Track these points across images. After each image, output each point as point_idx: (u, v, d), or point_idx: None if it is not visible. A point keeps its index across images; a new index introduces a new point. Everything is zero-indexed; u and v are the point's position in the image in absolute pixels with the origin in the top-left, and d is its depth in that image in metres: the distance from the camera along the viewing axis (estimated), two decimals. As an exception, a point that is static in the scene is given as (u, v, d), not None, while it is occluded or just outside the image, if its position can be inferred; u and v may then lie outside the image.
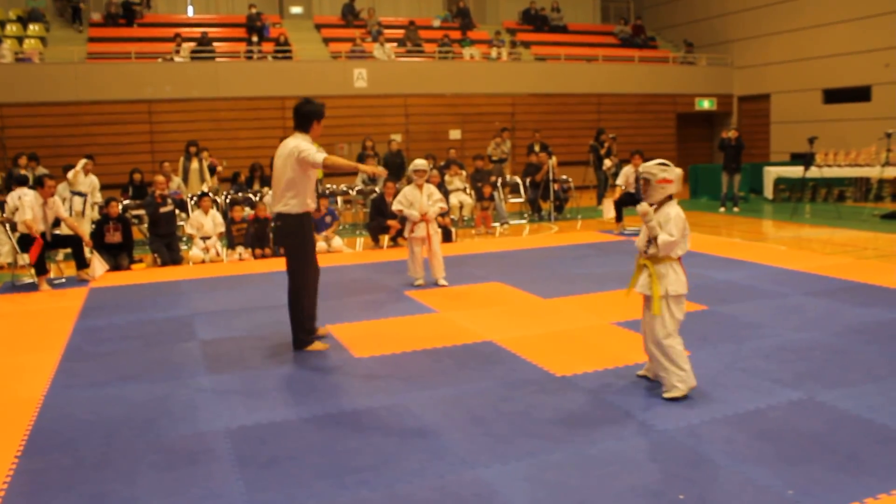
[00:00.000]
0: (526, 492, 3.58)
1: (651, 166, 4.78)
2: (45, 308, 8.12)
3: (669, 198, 4.77)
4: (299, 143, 5.80)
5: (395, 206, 8.73)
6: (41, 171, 12.40)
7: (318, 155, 5.72)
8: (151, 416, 4.74)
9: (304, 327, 6.09)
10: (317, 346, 6.11)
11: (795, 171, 15.74)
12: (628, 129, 20.64)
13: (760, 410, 4.49)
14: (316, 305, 6.28)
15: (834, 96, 19.96)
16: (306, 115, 5.90)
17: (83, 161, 12.24)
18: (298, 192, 5.85)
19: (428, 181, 8.80)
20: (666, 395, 4.74)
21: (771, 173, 16.81)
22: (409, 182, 8.89)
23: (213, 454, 4.11)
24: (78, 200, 11.74)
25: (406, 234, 8.66)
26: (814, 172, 14.80)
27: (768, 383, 4.97)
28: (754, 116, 22.43)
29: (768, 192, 16.79)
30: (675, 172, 4.74)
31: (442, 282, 8.51)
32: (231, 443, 4.26)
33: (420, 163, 8.78)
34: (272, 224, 5.97)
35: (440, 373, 5.44)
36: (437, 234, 8.62)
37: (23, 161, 12.56)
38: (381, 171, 6.31)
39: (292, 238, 5.96)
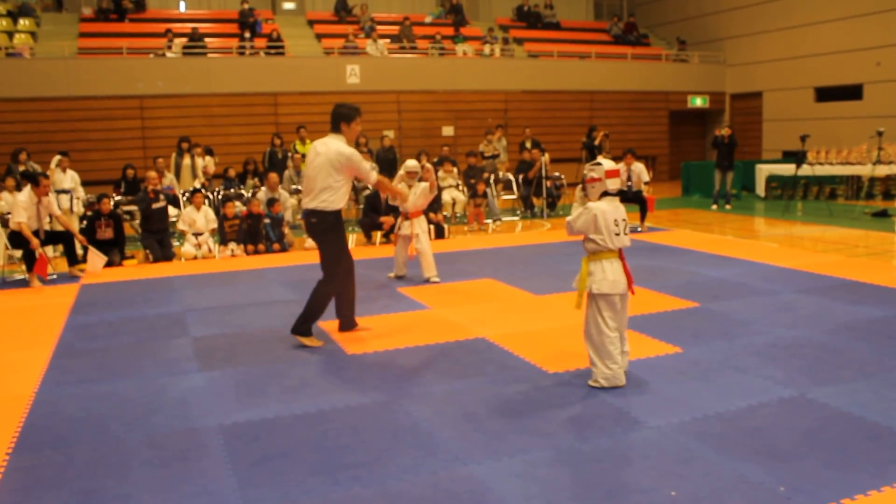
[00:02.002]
0: (518, 488, 3.58)
1: (586, 167, 4.99)
2: (36, 304, 8.08)
3: (605, 194, 4.89)
4: (352, 153, 5.96)
5: (391, 201, 8.99)
6: (32, 165, 12.37)
7: (372, 174, 6.11)
8: (143, 412, 4.73)
9: (313, 318, 6.13)
10: (311, 341, 6.12)
11: (787, 169, 15.81)
12: (621, 126, 20.67)
13: (752, 407, 4.51)
14: (355, 296, 6.46)
15: (826, 94, 20.04)
16: (336, 117, 6.12)
17: (56, 158, 12.25)
18: (336, 192, 5.97)
19: (420, 179, 8.67)
20: (590, 383, 4.97)
21: (763, 171, 16.87)
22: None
23: (205, 451, 4.11)
24: (64, 198, 11.71)
25: (395, 230, 8.73)
26: (806, 170, 14.86)
27: (760, 380, 4.98)
28: (746, 114, 22.49)
29: (760, 189, 16.85)
30: (602, 170, 4.87)
31: (434, 279, 8.48)
32: (223, 439, 4.25)
33: (412, 164, 8.75)
34: (309, 220, 6.03)
35: (433, 369, 5.44)
36: (424, 232, 8.54)
37: (23, 157, 12.53)
38: (404, 197, 7.33)
39: (328, 234, 6.05)
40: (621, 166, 12.24)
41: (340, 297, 6.38)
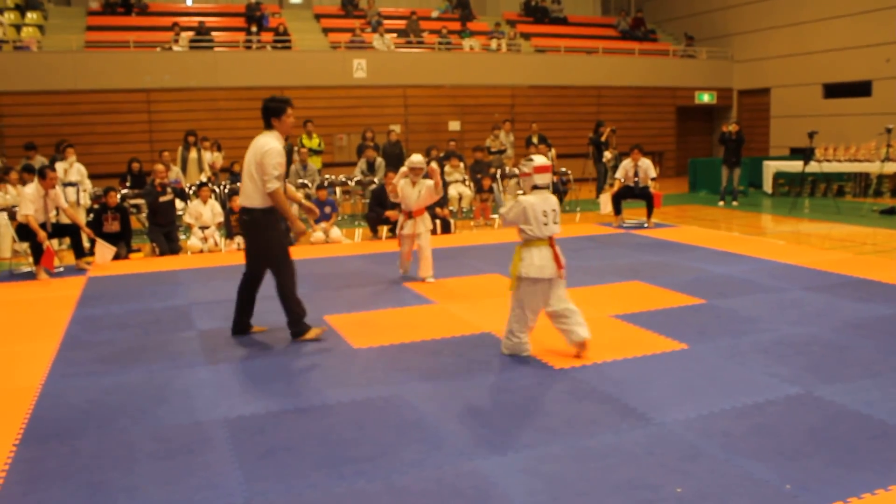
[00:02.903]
0: (523, 484, 3.58)
1: (521, 161, 5.51)
2: (43, 297, 8.11)
3: (536, 187, 5.36)
4: (266, 152, 5.78)
5: (392, 198, 8.63)
6: (40, 160, 12.39)
7: (272, 184, 5.75)
8: (149, 405, 4.74)
9: (300, 315, 6.11)
10: (313, 332, 6.11)
11: (795, 166, 15.73)
12: (628, 121, 20.60)
13: (758, 405, 4.50)
14: (254, 302, 6.32)
15: (834, 91, 19.93)
16: (264, 113, 5.95)
17: (70, 151, 12.33)
18: (260, 190, 5.86)
19: (425, 176, 8.31)
20: (504, 350, 5.55)
21: (770, 168, 16.80)
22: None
23: (210, 444, 4.11)
24: (70, 191, 11.74)
25: (396, 230, 8.45)
26: (813, 167, 14.80)
27: (766, 378, 4.97)
28: (754, 110, 22.40)
29: (767, 186, 16.79)
30: (532, 165, 5.36)
31: (429, 279, 8.25)
32: (229, 432, 4.26)
33: (417, 160, 8.34)
34: (241, 217, 6.03)
35: (438, 364, 5.44)
36: (427, 230, 8.28)
37: (66, 151, 12.62)
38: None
39: (259, 231, 5.97)
40: (628, 162, 12.22)
41: (239, 298, 6.25)
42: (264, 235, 5.97)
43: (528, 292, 5.38)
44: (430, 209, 8.64)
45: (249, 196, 5.89)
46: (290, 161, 14.34)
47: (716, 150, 21.41)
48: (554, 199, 5.49)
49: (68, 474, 3.78)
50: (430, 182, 8.15)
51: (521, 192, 5.52)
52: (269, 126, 5.96)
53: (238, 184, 13.23)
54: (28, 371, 5.48)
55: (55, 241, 9.99)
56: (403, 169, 8.36)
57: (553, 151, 14.93)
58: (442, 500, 3.45)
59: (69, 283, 8.72)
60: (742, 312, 6.64)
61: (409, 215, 8.24)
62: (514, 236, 5.59)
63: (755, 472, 3.63)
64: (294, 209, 6.53)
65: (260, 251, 6.06)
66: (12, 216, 9.65)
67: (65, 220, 9.86)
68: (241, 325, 6.32)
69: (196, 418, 4.49)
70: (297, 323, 6.11)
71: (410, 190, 8.22)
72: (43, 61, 16.64)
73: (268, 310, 6.48)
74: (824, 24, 19.80)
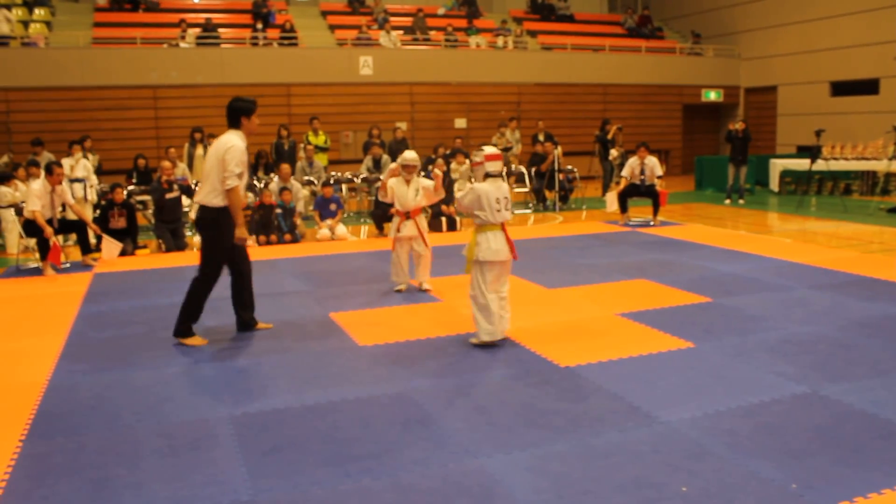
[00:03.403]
0: (528, 482, 3.58)
1: (473, 152, 5.90)
2: (49, 293, 8.13)
3: (488, 175, 5.68)
4: (228, 149, 5.78)
5: (381, 197, 7.94)
6: (47, 156, 12.43)
7: (231, 181, 5.75)
8: (155, 401, 4.75)
9: (191, 318, 6.04)
10: (194, 340, 6.01)
11: (802, 164, 15.68)
12: (634, 119, 20.56)
13: (764, 403, 4.49)
14: (253, 297, 6.36)
15: (841, 89, 19.86)
16: (232, 112, 5.94)
17: (77, 148, 12.42)
18: (219, 189, 5.85)
19: (427, 175, 7.88)
20: (472, 341, 5.75)
21: (777, 166, 16.76)
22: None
23: (216, 440, 4.12)
24: (77, 187, 11.77)
25: (391, 233, 7.84)
26: (820, 165, 14.75)
27: (772, 376, 4.96)
28: (761, 108, 22.33)
29: (774, 184, 16.74)
30: (483, 154, 5.72)
31: (426, 286, 7.74)
32: (234, 429, 4.26)
33: (410, 156, 7.81)
34: (198, 214, 6.03)
35: (444, 362, 5.44)
36: (425, 231, 7.74)
37: (88, 144, 12.73)
38: (245, 238, 6.21)
39: (208, 230, 5.97)
40: (634, 160, 12.19)
41: (235, 294, 6.29)
42: (218, 233, 5.93)
43: (489, 272, 5.62)
44: (435, 206, 8.51)
45: (208, 194, 5.88)
46: (294, 159, 14.36)
47: (722, 148, 21.36)
48: (505, 187, 5.79)
49: (74, 470, 3.79)
50: (428, 182, 7.66)
51: (473, 180, 5.87)
52: (233, 125, 5.96)
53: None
54: (34, 367, 5.50)
55: (61, 238, 10.01)
56: (393, 166, 7.84)
57: (559, 149, 14.90)
58: (447, 498, 3.45)
59: (75, 279, 8.75)
60: (748, 311, 6.62)
61: (407, 216, 7.68)
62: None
63: (761, 472, 3.62)
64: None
65: (204, 246, 6.04)
66: (19, 212, 9.68)
67: (71, 216, 9.89)
68: (244, 321, 6.33)
69: (201, 415, 4.50)
70: (184, 322, 6.01)
71: (405, 188, 7.68)
72: (50, 57, 16.68)
73: (268, 309, 6.48)
74: (832, 21, 19.72)
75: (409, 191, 7.65)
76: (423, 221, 7.84)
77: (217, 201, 5.85)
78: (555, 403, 4.59)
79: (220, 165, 5.80)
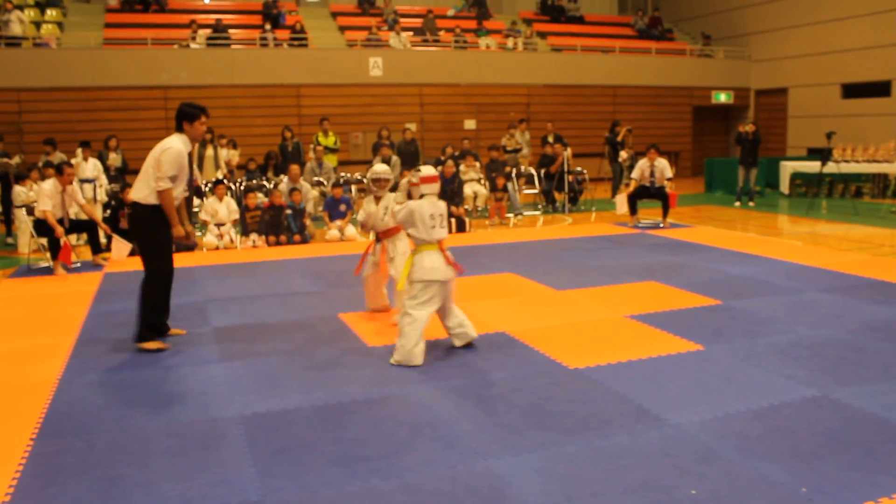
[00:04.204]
0: (537, 484, 3.57)
1: (411, 173, 5.78)
2: (59, 292, 8.17)
3: (422, 196, 5.60)
4: (163, 152, 5.79)
5: (360, 217, 6.96)
6: (59, 156, 12.49)
7: (163, 182, 5.75)
8: (164, 401, 4.77)
9: (148, 322, 5.96)
10: (154, 344, 5.93)
11: (812, 166, 15.62)
12: (644, 121, 20.52)
13: (774, 407, 4.47)
14: (168, 301, 6.21)
15: (853, 91, 19.76)
16: (177, 116, 5.97)
17: (79, 151, 12.47)
18: (150, 186, 5.86)
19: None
20: (391, 361, 5.43)
21: (787, 168, 16.70)
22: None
23: (225, 440, 4.13)
24: (87, 187, 11.83)
25: (361, 259, 6.83)
26: (831, 168, 14.68)
27: (782, 379, 4.94)
28: (771, 110, 22.25)
29: (784, 186, 16.68)
30: (419, 176, 5.61)
31: (394, 319, 6.14)
32: (243, 429, 4.27)
33: (380, 169, 6.78)
34: (131, 211, 6.05)
35: (452, 363, 5.44)
36: (402, 255, 6.37)
37: (112, 143, 12.83)
38: (191, 238, 6.32)
39: (141, 228, 5.97)
40: (644, 162, 12.16)
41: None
42: (148, 231, 5.94)
43: (421, 293, 5.47)
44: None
45: (140, 190, 5.90)
46: (299, 159, 14.37)
47: (732, 151, 21.31)
48: (442, 205, 5.68)
49: (84, 469, 3.81)
50: (395, 196, 6.48)
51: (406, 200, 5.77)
52: (179, 129, 5.97)
53: (254, 181, 13.36)
54: (45, 366, 5.53)
55: (72, 237, 10.06)
56: (365, 178, 6.95)
57: (569, 150, 14.89)
58: (456, 500, 3.45)
59: (86, 279, 8.79)
60: (758, 314, 6.59)
61: (377, 238, 6.73)
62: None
63: (770, 475, 3.61)
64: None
65: (143, 246, 6.04)
66: (30, 212, 9.73)
67: (82, 216, 9.93)
68: (160, 326, 6.18)
69: (211, 415, 4.52)
70: (142, 326, 5.94)
71: (373, 208, 6.70)
72: (62, 58, 16.78)
73: (277, 309, 6.49)
74: (843, 23, 19.63)
75: (380, 209, 6.64)
76: (401, 243, 6.56)
77: (152, 199, 5.87)
78: (563, 405, 4.58)
79: (155, 164, 5.82)
